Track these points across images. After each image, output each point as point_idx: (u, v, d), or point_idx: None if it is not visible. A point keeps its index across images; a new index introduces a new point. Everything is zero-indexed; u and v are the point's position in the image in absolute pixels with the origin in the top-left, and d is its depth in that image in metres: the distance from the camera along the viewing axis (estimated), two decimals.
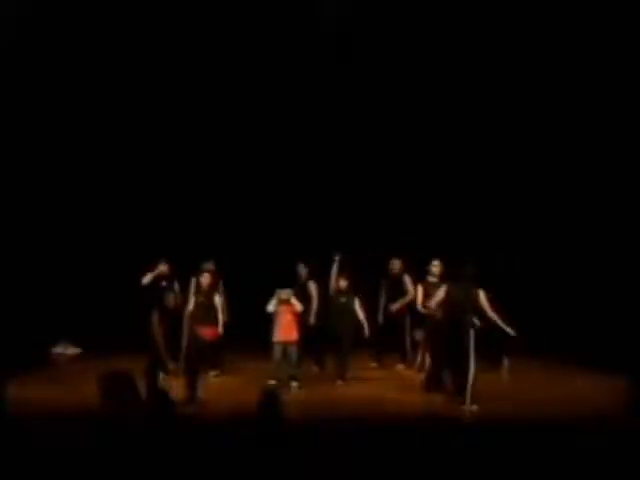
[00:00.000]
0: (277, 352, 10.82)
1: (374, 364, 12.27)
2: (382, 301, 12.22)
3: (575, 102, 13.42)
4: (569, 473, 6.30)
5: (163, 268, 11.81)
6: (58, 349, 13.59)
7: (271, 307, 10.88)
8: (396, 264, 12.18)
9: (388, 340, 12.21)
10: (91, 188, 14.50)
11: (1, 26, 12.40)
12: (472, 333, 9.64)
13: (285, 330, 10.84)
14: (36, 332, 12.46)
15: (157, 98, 14.16)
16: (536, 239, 14.04)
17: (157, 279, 11.74)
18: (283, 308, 10.87)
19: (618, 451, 6.61)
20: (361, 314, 11.16)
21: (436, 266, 11.01)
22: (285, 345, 10.82)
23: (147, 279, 11.79)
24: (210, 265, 11.66)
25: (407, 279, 12.08)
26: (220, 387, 10.88)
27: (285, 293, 10.88)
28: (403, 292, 12.05)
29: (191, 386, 9.79)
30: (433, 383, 10.24)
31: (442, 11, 13.51)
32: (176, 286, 11.52)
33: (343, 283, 11.23)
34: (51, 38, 13.08)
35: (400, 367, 12.18)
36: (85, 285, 14.02)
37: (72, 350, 13.58)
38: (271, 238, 14.30)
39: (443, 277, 10.92)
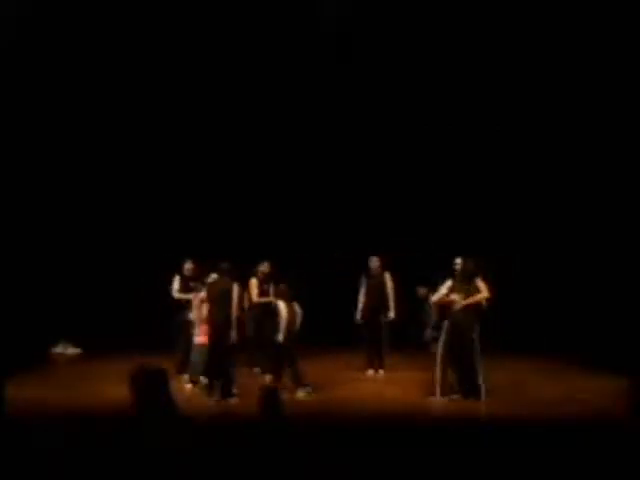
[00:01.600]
0: (201, 354, 10.51)
1: (370, 370, 11.87)
2: (361, 300, 11.81)
3: (575, 102, 13.42)
4: (570, 473, 6.28)
5: (189, 267, 11.52)
6: (58, 349, 13.59)
7: (193, 314, 10.57)
8: (374, 261, 11.81)
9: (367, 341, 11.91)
10: (91, 189, 14.51)
11: (1, 26, 12.40)
12: (477, 328, 9.71)
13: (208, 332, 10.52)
14: (36, 332, 12.46)
15: (160, 98, 14.17)
16: (536, 239, 14.04)
17: (185, 280, 11.44)
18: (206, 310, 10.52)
19: (619, 451, 6.59)
20: (297, 320, 10.36)
21: (459, 264, 10.33)
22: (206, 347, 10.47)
23: (176, 285, 11.50)
24: (264, 267, 11.37)
25: (388, 277, 11.78)
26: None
27: (201, 295, 10.60)
28: (383, 291, 11.73)
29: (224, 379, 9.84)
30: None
31: (442, 11, 13.50)
32: (200, 285, 11.30)
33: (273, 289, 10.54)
34: (51, 38, 13.08)
35: (370, 372, 11.80)
36: (85, 285, 14.02)
37: (72, 350, 13.59)
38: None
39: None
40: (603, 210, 13.40)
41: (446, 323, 9.90)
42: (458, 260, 10.14)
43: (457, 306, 9.75)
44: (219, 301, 9.96)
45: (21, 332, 11.94)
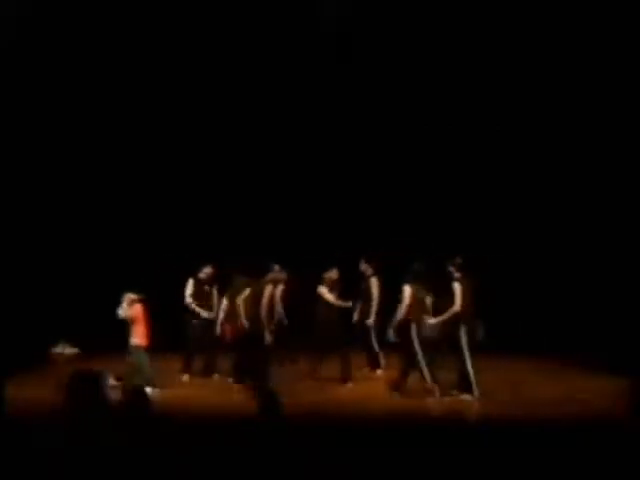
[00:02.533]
0: (141, 356, 10.47)
1: (366, 369, 11.85)
2: (357, 303, 11.80)
3: (574, 103, 13.40)
4: (569, 473, 6.28)
5: (208, 271, 11.58)
6: (58, 349, 13.59)
7: (121, 312, 10.46)
8: (362, 265, 11.78)
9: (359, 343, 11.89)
10: (93, 189, 14.50)
11: (1, 26, 12.41)
12: (463, 328, 9.77)
13: (141, 333, 10.55)
14: (36, 332, 12.47)
15: (162, 99, 14.16)
16: (536, 239, 14.03)
17: (200, 284, 11.58)
18: (137, 310, 10.56)
19: (619, 451, 6.59)
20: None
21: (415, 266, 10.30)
22: (142, 348, 10.52)
23: (189, 289, 11.58)
24: (333, 273, 11.21)
25: (374, 282, 11.69)
26: (220, 387, 10.88)
27: (131, 295, 10.59)
28: (370, 295, 11.69)
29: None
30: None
31: (442, 11, 13.50)
32: (215, 290, 11.61)
33: None
34: (51, 38, 13.08)
35: (366, 370, 11.83)
36: (85, 285, 14.02)
37: (71, 350, 13.59)
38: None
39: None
40: (602, 209, 13.39)
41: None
42: (458, 260, 10.08)
43: (431, 322, 9.84)
44: (254, 302, 10.52)
45: (21, 332, 11.95)
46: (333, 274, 11.29)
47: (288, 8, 13.48)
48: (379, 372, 11.81)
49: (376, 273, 11.79)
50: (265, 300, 10.48)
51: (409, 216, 14.54)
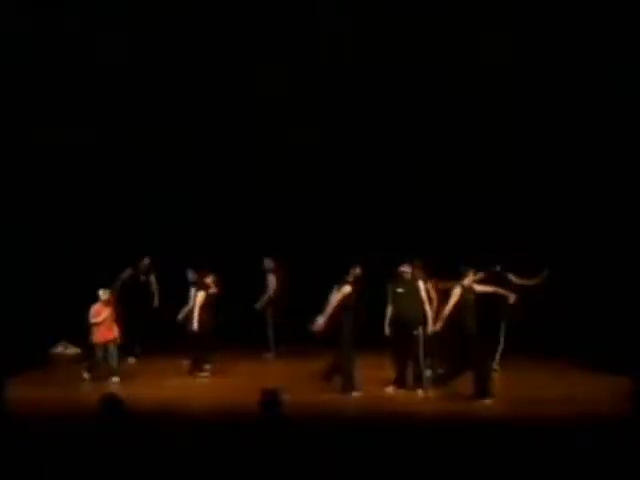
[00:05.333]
0: (99, 352, 11.06)
1: None
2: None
3: (578, 103, 13.39)
4: (570, 473, 6.29)
5: (146, 262, 12.71)
6: (58, 349, 13.61)
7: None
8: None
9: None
10: (94, 189, 14.49)
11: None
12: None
13: (107, 330, 11.07)
14: (36, 332, 12.48)
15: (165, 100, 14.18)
16: (536, 239, 14.02)
17: (136, 273, 12.60)
18: (102, 308, 11.13)
19: (619, 451, 6.60)
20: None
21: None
22: (106, 344, 11.04)
23: (126, 274, 12.43)
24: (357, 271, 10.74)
25: (271, 278, 12.80)
26: (219, 387, 10.89)
27: (104, 292, 11.17)
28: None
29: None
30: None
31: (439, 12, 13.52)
32: (153, 279, 12.71)
33: None
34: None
35: (268, 356, 12.72)
36: (85, 285, 14.02)
37: (72, 350, 13.59)
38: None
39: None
40: (602, 209, 13.37)
41: None
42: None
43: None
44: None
45: (21, 332, 11.96)
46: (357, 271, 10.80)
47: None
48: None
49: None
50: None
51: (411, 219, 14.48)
